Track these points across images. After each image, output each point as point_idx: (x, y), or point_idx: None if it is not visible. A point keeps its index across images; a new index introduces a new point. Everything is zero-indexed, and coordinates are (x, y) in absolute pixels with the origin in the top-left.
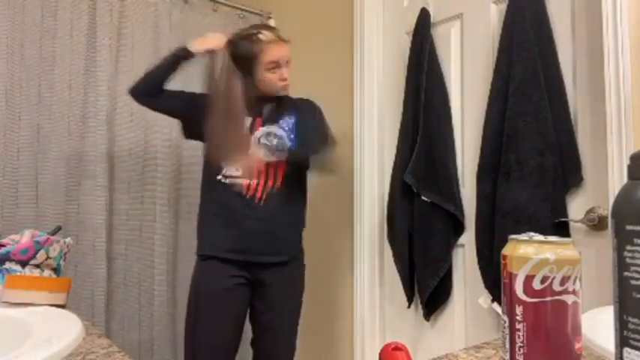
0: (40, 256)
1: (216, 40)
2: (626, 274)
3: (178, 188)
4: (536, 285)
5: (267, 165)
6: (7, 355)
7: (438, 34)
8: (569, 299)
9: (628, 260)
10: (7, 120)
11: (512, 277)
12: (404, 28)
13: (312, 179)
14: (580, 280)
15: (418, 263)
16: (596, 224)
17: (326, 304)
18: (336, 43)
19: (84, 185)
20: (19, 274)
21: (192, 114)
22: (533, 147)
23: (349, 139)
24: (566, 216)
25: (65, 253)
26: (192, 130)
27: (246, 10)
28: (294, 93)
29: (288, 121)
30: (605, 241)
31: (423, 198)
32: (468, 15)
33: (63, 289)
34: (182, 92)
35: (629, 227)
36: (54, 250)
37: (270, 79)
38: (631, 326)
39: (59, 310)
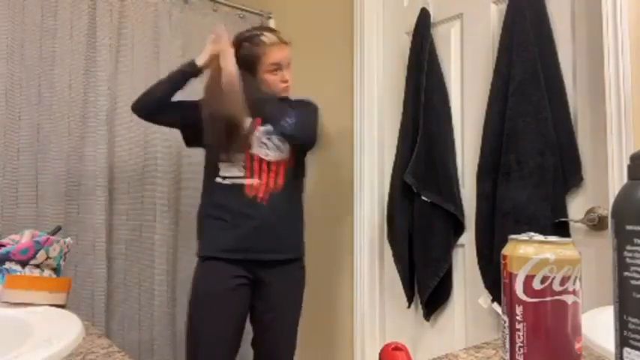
0: (40, 256)
1: (217, 44)
2: (626, 274)
3: (178, 188)
4: (536, 285)
5: (268, 164)
6: (7, 355)
7: (438, 34)
8: (569, 299)
9: (628, 260)
10: (7, 120)
11: (512, 277)
12: (404, 28)
13: (310, 178)
14: (580, 280)
15: (418, 263)
16: (596, 224)
17: (326, 304)
18: (336, 43)
19: (84, 185)
20: (19, 274)
21: (193, 123)
22: (533, 147)
23: (349, 139)
24: (566, 216)
25: (65, 253)
26: (194, 139)
27: (246, 10)
28: (295, 92)
29: (288, 120)
30: (605, 241)
31: (423, 198)
32: (468, 15)
33: (63, 289)
34: (182, 102)
35: (629, 227)
36: (54, 250)
37: (272, 81)
38: (631, 326)
39: (59, 310)
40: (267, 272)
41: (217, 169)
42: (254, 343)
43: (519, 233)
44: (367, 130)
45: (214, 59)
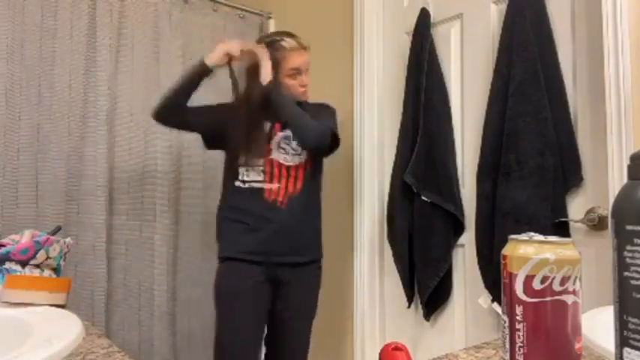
0: (40, 256)
1: (228, 47)
2: (626, 274)
3: (178, 188)
4: (536, 285)
5: (288, 169)
6: (7, 355)
7: (438, 34)
8: (569, 299)
9: (628, 260)
10: (7, 120)
11: (512, 277)
12: (404, 28)
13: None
14: (580, 280)
15: (418, 263)
16: (596, 224)
17: (326, 304)
18: (336, 43)
19: (84, 185)
20: (19, 274)
21: (215, 126)
22: (533, 147)
23: (349, 138)
24: (566, 216)
25: (65, 253)
26: (214, 141)
27: (246, 10)
28: None
29: None
30: (605, 241)
31: (423, 198)
32: (468, 15)
33: (63, 289)
34: (203, 107)
35: (629, 227)
36: (54, 250)
37: (291, 85)
38: (631, 326)
39: (59, 310)
40: (285, 272)
41: (237, 173)
42: (268, 341)
43: (519, 233)
44: (367, 129)
45: (228, 58)
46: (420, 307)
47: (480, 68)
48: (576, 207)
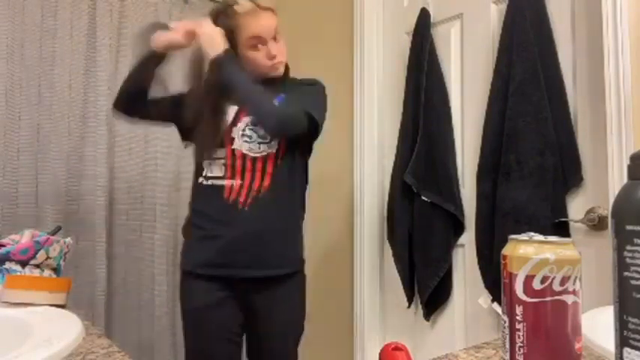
0: (40, 256)
1: (168, 38)
2: (626, 274)
3: (178, 188)
4: (536, 285)
5: (253, 161)
6: (7, 355)
7: (438, 34)
8: (569, 299)
9: (628, 260)
10: (7, 120)
11: (512, 277)
12: (404, 28)
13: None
14: (580, 280)
15: (418, 263)
16: (596, 224)
17: (326, 304)
18: (336, 43)
19: (84, 185)
20: (19, 274)
21: (179, 116)
22: (533, 147)
23: (349, 139)
24: (566, 216)
25: (65, 253)
26: (186, 135)
27: None
28: None
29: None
30: (605, 241)
31: (423, 198)
32: (468, 15)
33: (63, 289)
34: (167, 96)
35: (629, 227)
36: (54, 250)
37: (255, 58)
38: (631, 326)
39: (59, 310)
40: (255, 292)
41: (201, 168)
42: (249, 355)
43: (519, 233)
44: (367, 130)
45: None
46: (420, 307)
47: (480, 68)
48: (576, 207)
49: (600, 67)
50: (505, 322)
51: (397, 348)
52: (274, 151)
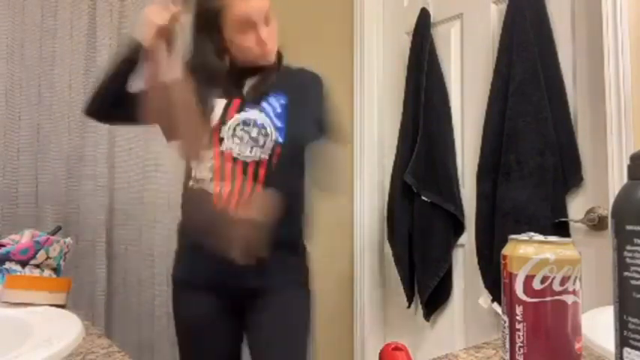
0: (40, 256)
1: (156, 13)
2: (626, 274)
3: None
4: (536, 285)
5: (244, 165)
6: (7, 355)
7: (438, 34)
8: (569, 299)
9: (628, 260)
10: (7, 120)
11: (512, 277)
12: (404, 28)
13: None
14: (580, 280)
15: (418, 263)
16: (596, 224)
17: (326, 305)
18: (336, 43)
19: (84, 185)
20: (19, 274)
21: (164, 113)
22: (533, 147)
23: (349, 139)
24: (566, 216)
25: (65, 253)
26: (171, 134)
27: None
28: None
29: (274, 103)
30: (605, 241)
31: (423, 198)
32: (468, 15)
33: (63, 289)
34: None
35: (629, 227)
36: (54, 250)
37: (242, 43)
38: (631, 326)
39: (59, 310)
40: (248, 302)
41: (190, 169)
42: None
43: (519, 233)
44: (367, 130)
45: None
46: (420, 307)
47: (480, 68)
48: (576, 207)
49: (600, 67)
50: (505, 322)
51: (397, 348)
52: (267, 156)
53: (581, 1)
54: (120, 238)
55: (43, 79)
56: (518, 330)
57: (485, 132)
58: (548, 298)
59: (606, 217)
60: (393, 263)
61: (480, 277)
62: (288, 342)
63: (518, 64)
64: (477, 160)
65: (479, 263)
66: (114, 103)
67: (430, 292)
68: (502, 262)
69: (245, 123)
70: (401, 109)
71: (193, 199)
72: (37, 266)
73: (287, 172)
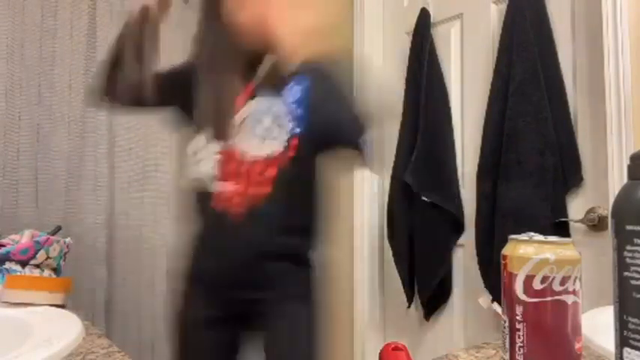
0: (40, 256)
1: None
2: (626, 274)
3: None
4: (536, 285)
5: (252, 162)
6: (7, 355)
7: (438, 34)
8: (569, 299)
9: (628, 260)
10: (7, 120)
11: (512, 277)
12: (404, 28)
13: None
14: (580, 280)
15: (418, 263)
16: (596, 224)
17: (326, 304)
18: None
19: (84, 185)
20: (19, 274)
21: (185, 94)
22: (533, 147)
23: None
24: (566, 216)
25: (65, 253)
26: (187, 118)
27: None
28: None
29: (293, 89)
30: (605, 241)
31: (423, 198)
32: (468, 15)
33: (63, 289)
34: (164, 72)
35: (629, 227)
36: (54, 250)
37: (239, 19)
38: (631, 326)
39: (59, 310)
40: (251, 313)
41: (189, 164)
42: None
43: (519, 233)
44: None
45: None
46: (420, 307)
47: (480, 68)
48: (576, 207)
49: (600, 67)
50: (505, 322)
51: (397, 348)
52: (280, 150)
53: (581, 1)
54: (120, 239)
55: (43, 79)
56: (518, 330)
57: (485, 132)
58: (548, 298)
59: (606, 217)
60: (393, 263)
61: (480, 277)
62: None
63: (518, 64)
64: (476, 160)
65: (479, 263)
66: (127, 82)
67: (430, 292)
68: (502, 262)
69: (259, 113)
70: (401, 109)
71: (196, 195)
72: (37, 266)
73: (302, 170)
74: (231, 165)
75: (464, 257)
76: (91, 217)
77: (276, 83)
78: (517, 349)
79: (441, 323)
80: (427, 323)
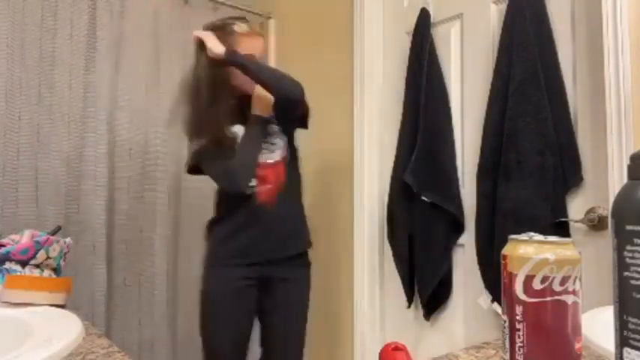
0: (40, 256)
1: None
2: (626, 274)
3: (179, 188)
4: (536, 285)
5: (273, 167)
6: (7, 355)
7: (438, 34)
8: (569, 299)
9: (628, 260)
10: (7, 120)
11: (512, 277)
12: (404, 28)
13: (310, 178)
14: (580, 280)
15: (418, 263)
16: (596, 224)
17: (326, 304)
18: (336, 44)
19: (84, 185)
20: (19, 274)
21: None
22: (533, 147)
23: (349, 139)
24: (566, 216)
25: (65, 253)
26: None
27: (246, 11)
28: None
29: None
30: (605, 241)
31: (423, 198)
32: (468, 15)
33: (63, 289)
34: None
35: (629, 227)
36: (54, 250)
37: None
38: (631, 326)
39: (59, 310)
40: (273, 270)
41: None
42: (263, 343)
43: (519, 233)
44: (367, 130)
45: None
46: (420, 307)
47: (480, 68)
48: (576, 207)
49: (600, 67)
50: (505, 322)
51: (397, 348)
52: (284, 150)
53: (581, 1)
54: (120, 238)
55: (43, 79)
56: (518, 330)
57: (485, 132)
58: (548, 298)
59: (606, 217)
60: (393, 263)
61: (480, 277)
62: (297, 318)
63: (518, 64)
64: (476, 160)
65: (479, 263)
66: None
67: (430, 292)
68: (502, 262)
69: (269, 134)
70: (401, 109)
71: (234, 196)
72: (37, 266)
73: (291, 153)
74: (267, 173)
75: (464, 257)
76: (91, 217)
77: (261, 118)
78: (517, 349)
79: (441, 323)
80: (427, 323)
